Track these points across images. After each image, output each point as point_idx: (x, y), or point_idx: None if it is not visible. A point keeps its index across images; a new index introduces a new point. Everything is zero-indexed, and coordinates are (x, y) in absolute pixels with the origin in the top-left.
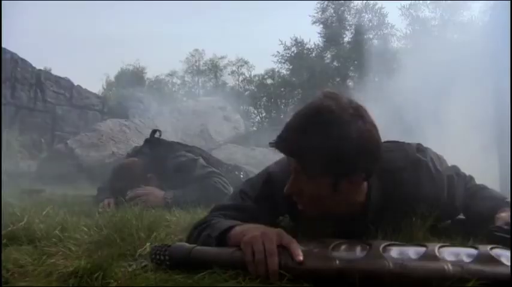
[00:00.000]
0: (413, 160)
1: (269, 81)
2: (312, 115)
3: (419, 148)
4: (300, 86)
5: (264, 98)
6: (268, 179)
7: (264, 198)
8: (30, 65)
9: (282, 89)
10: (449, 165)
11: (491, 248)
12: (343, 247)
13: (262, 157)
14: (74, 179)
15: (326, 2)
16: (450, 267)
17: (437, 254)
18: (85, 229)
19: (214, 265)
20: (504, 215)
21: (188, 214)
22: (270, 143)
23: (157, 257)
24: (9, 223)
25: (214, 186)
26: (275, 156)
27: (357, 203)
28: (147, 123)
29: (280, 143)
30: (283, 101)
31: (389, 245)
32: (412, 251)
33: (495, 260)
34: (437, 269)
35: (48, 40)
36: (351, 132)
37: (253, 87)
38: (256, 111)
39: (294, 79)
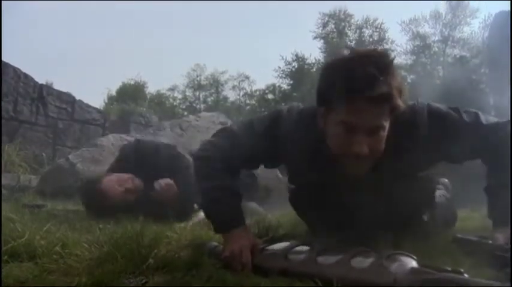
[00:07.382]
0: (410, 105)
1: (270, 96)
2: (379, 60)
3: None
4: (300, 100)
5: (265, 112)
6: (277, 115)
7: (269, 133)
8: (32, 79)
9: (283, 104)
10: None
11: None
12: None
13: (260, 171)
14: (75, 194)
15: (327, 18)
16: None
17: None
18: (86, 245)
19: None
20: (502, 236)
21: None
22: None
23: None
24: (10, 238)
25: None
26: (274, 171)
27: None
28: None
29: (373, 88)
30: None
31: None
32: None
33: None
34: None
35: (50, 55)
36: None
37: (254, 102)
38: None
39: (294, 94)
